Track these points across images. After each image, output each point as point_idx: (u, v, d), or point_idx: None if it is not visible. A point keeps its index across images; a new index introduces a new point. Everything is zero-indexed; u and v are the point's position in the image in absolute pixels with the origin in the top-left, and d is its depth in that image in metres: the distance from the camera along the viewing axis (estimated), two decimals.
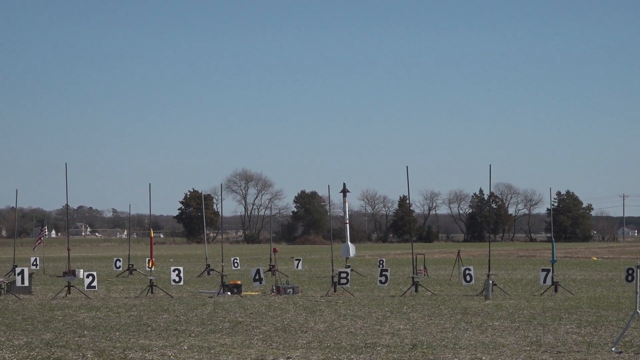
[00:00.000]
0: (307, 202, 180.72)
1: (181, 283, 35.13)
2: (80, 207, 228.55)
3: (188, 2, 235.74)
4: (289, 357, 16.26)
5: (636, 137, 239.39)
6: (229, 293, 31.43)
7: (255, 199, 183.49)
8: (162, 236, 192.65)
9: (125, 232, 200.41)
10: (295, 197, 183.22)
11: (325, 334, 19.78)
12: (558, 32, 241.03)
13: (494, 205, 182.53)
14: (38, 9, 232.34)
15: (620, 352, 16.77)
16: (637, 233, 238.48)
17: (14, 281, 31.78)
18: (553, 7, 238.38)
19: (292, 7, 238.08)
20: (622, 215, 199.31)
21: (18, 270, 32.00)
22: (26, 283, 31.71)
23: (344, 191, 49.29)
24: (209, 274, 46.31)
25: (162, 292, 32.23)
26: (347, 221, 51.68)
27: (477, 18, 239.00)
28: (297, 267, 51.38)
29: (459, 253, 46.34)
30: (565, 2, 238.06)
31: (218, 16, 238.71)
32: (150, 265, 36.32)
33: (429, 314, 24.52)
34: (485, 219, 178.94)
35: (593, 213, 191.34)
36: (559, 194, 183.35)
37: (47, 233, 49.22)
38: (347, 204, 50.10)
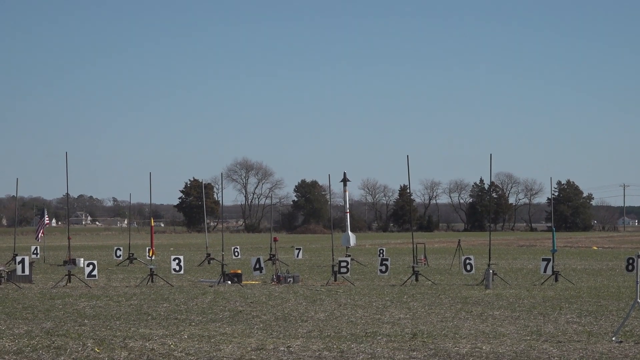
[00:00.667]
0: (308, 191, 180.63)
1: (181, 272, 35.12)
2: (80, 195, 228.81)
3: None
4: (289, 346, 16.26)
5: (637, 127, 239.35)
6: (229, 282, 31.43)
7: (255, 188, 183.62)
8: (162, 225, 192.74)
9: (125, 221, 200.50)
10: (296, 186, 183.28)
11: (326, 323, 19.78)
12: (558, 21, 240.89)
13: (494, 195, 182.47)
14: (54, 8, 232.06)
15: (621, 342, 16.77)
16: (638, 223, 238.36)
17: (15, 270, 31.77)
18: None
19: None
20: (622, 205, 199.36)
21: (18, 259, 31.96)
22: (26, 272, 31.69)
23: (345, 180, 49.15)
24: (209, 263, 46.32)
25: (162, 281, 32.24)
26: (348, 210, 51.52)
27: (477, 6, 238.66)
28: (297, 256, 51.37)
29: (459, 242, 46.36)
30: None
31: (219, 5, 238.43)
32: (150, 254, 36.30)
33: (429, 303, 24.52)
34: (486, 209, 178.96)
35: (593, 202, 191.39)
36: (559, 183, 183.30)
37: (48, 222, 49.04)
38: (347, 193, 49.93)
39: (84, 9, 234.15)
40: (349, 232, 50.00)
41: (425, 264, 44.14)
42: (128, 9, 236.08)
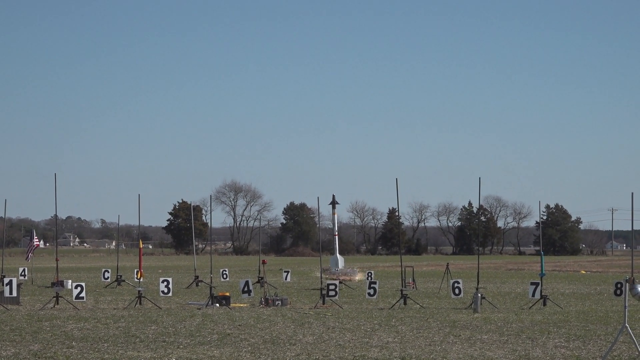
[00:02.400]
0: (296, 213, 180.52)
1: (170, 294, 35.06)
2: (69, 217, 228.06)
3: (180, 11, 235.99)
4: None
5: (625, 151, 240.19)
6: (218, 305, 31.40)
7: (244, 210, 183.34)
8: (150, 247, 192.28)
9: (113, 243, 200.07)
10: (284, 208, 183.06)
11: (314, 347, 19.76)
12: (547, 45, 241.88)
13: (482, 218, 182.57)
14: (39, 18, 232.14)
15: None
16: (626, 247, 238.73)
17: (2, 291, 31.69)
18: (542, 22, 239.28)
19: (282, 18, 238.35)
20: (610, 229, 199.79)
21: (6, 280, 31.91)
22: (14, 293, 31.63)
23: (333, 203, 49.37)
24: (197, 285, 46.25)
25: (150, 304, 32.18)
26: (336, 233, 51.65)
27: (465, 30, 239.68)
28: (285, 279, 51.33)
29: (447, 266, 46.36)
30: (555, 18, 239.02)
31: (206, 25, 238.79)
32: (138, 277, 36.26)
33: (418, 327, 24.52)
34: (474, 232, 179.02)
35: (582, 226, 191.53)
36: (547, 207, 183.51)
37: (37, 243, 49.01)
38: (336, 215, 50.13)
39: (80, 26, 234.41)
40: (337, 254, 50.11)
41: (413, 287, 44.14)
42: (121, 27, 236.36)
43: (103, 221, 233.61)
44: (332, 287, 32.79)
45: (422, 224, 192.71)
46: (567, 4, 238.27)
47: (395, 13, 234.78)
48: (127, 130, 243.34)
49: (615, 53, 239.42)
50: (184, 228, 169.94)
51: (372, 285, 34.51)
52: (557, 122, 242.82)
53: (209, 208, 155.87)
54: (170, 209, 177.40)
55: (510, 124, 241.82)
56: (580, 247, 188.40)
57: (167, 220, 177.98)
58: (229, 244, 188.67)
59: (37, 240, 49.21)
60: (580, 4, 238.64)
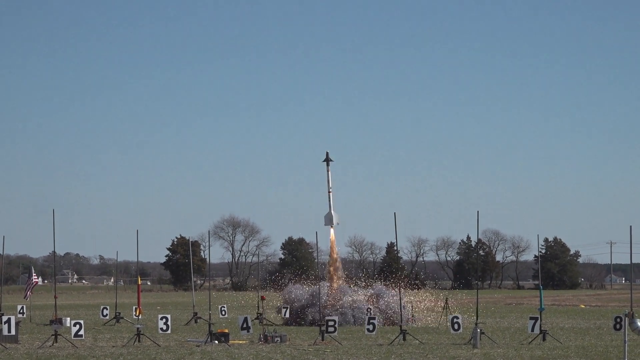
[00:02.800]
0: (295, 248, 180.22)
1: (168, 331, 34.98)
2: (67, 253, 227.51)
3: (174, 51, 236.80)
4: None
5: (623, 184, 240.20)
6: (217, 342, 31.34)
7: (242, 245, 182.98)
8: (149, 283, 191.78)
9: (112, 279, 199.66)
10: (283, 243, 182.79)
11: None
12: (542, 79, 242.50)
13: (481, 252, 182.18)
14: (37, 52, 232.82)
15: None
16: (625, 280, 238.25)
17: (1, 330, 31.60)
18: (538, 56, 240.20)
19: (275, 55, 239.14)
20: (609, 262, 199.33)
21: (5, 318, 31.83)
22: (13, 331, 31.54)
23: (327, 160, 50.34)
24: (196, 322, 46.15)
25: (149, 341, 32.11)
26: (331, 190, 52.17)
27: (463, 65, 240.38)
28: (284, 315, 51.23)
29: (447, 301, 46.29)
30: (550, 52, 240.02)
31: (203, 62, 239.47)
32: (137, 313, 36.19)
33: None
34: (473, 266, 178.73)
35: (581, 260, 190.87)
36: (546, 240, 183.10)
37: (36, 280, 49.00)
38: (330, 173, 50.78)
39: (71, 65, 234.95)
40: (332, 211, 50.58)
41: (412, 322, 44.05)
42: (115, 67, 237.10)
43: (101, 257, 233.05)
44: (331, 323, 32.72)
45: (420, 258, 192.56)
46: (559, 38, 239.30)
47: (394, 48, 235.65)
48: (125, 167, 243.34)
49: (612, 86, 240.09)
50: (183, 264, 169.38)
51: (371, 321, 34.45)
52: (555, 156, 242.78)
53: (207, 243, 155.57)
54: (168, 244, 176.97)
55: (508, 158, 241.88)
56: (579, 281, 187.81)
57: (166, 256, 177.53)
58: (227, 280, 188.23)
59: (35, 277, 49.12)
60: (573, 39, 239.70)
